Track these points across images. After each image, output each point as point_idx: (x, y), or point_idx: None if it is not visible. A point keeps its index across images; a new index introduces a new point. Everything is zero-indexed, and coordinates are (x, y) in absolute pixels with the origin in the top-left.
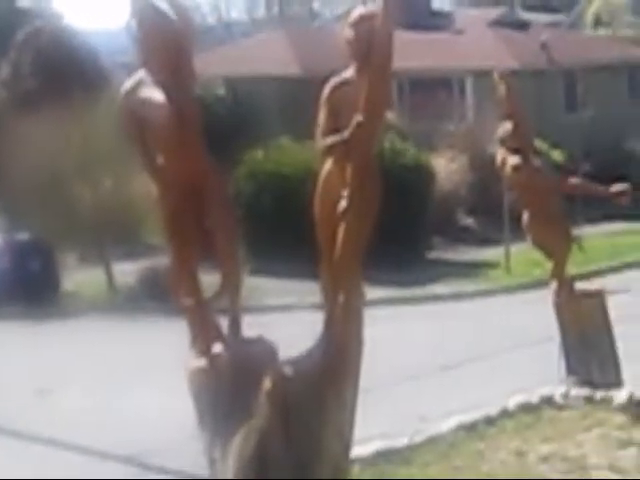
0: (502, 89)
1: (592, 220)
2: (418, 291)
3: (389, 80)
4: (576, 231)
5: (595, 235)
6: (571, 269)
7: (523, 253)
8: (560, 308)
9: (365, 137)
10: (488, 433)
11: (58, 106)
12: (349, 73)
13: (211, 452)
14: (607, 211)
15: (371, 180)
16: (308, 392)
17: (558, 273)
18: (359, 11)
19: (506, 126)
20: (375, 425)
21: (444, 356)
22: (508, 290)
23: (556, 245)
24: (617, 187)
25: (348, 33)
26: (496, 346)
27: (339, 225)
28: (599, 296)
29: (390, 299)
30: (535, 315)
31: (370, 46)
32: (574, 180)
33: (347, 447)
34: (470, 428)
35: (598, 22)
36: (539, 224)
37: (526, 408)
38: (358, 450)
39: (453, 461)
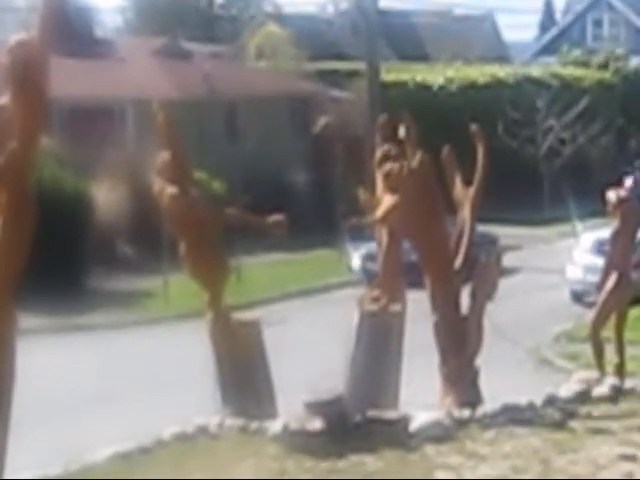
0: (160, 119)
1: (251, 251)
2: (75, 320)
3: (44, 107)
4: (234, 262)
5: (254, 265)
6: (229, 299)
7: (182, 283)
8: (215, 338)
9: (19, 164)
10: (143, 462)
11: None
12: (3, 99)
13: None
14: (267, 242)
15: (26, 207)
16: None
17: (214, 303)
18: (16, 37)
19: (164, 156)
20: (29, 455)
21: (100, 387)
22: (166, 320)
23: (211, 276)
24: (273, 218)
25: (4, 59)
26: (153, 376)
27: None
28: (255, 326)
29: (47, 328)
30: (192, 345)
31: (26, 73)
32: (232, 211)
33: None
34: (125, 457)
35: (260, 54)
36: (194, 254)
37: (181, 438)
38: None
39: None
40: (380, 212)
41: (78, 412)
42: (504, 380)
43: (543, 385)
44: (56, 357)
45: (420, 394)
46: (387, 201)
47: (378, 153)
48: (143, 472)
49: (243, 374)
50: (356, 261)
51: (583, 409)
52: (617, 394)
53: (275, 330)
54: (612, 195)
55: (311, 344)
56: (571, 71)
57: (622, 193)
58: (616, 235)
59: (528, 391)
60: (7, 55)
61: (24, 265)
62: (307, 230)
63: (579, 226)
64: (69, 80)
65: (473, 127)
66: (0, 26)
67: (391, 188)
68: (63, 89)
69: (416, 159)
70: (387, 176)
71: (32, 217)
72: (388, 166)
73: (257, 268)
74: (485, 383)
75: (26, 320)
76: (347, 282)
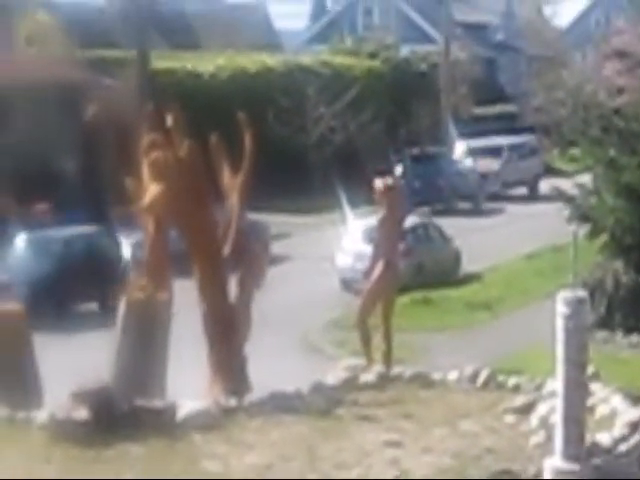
0: None
1: None
2: None
3: None
4: None
5: None
6: None
7: None
8: None
9: None
10: None
11: None
12: None
13: None
14: None
15: None
16: None
17: None
18: None
19: None
20: None
21: None
22: None
23: None
24: (38, 207)
25: None
26: None
27: None
28: (18, 318)
29: None
30: None
31: None
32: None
33: None
34: None
35: (30, 42)
36: None
37: None
38: None
39: None
40: (146, 201)
41: None
42: (273, 368)
43: (312, 372)
44: None
45: (189, 383)
46: (153, 190)
47: (144, 142)
48: None
49: (8, 365)
50: (126, 249)
51: (350, 396)
52: (383, 381)
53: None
54: (379, 183)
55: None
56: (341, 60)
57: (389, 181)
58: (382, 223)
59: (297, 378)
60: None
61: None
62: (77, 220)
63: (349, 214)
64: None
65: (240, 115)
66: None
67: (157, 177)
68: None
69: (183, 147)
70: (153, 165)
71: None
72: (154, 155)
73: None
74: (254, 371)
75: None
76: None
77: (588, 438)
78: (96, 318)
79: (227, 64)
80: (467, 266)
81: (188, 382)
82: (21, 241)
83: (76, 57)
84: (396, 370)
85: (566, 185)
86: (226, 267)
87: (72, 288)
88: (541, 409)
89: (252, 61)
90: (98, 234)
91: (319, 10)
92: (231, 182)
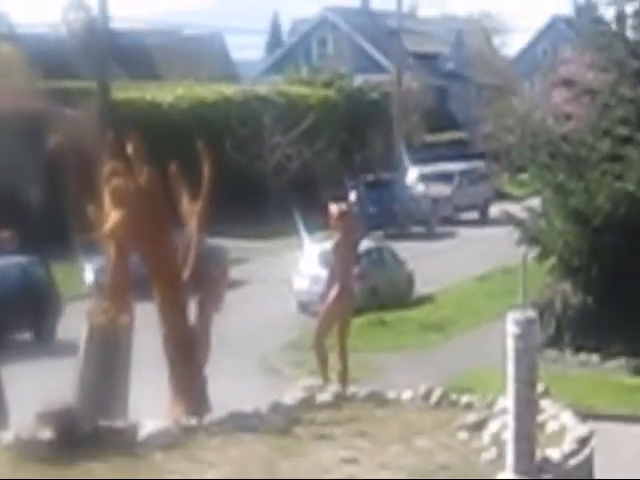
0: None
1: None
2: None
3: None
4: None
5: None
6: None
7: None
8: None
9: None
10: None
11: None
12: None
13: None
14: None
15: None
16: None
17: None
18: None
19: None
20: None
21: None
22: None
23: None
24: (4, 234)
25: None
26: None
27: None
28: None
29: None
30: None
31: None
32: None
33: None
34: None
35: None
36: None
37: None
38: None
39: None
40: (107, 227)
41: None
42: (232, 388)
43: (270, 393)
44: None
45: (150, 404)
46: (114, 216)
47: (105, 170)
48: None
49: None
50: (89, 274)
51: (307, 415)
52: (340, 400)
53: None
54: (334, 208)
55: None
56: (297, 89)
57: (343, 207)
58: (337, 247)
59: (256, 398)
60: None
61: None
62: (42, 246)
63: (306, 239)
64: None
65: (199, 144)
66: None
67: (118, 203)
68: None
69: (143, 175)
70: (114, 192)
71: None
72: (115, 182)
73: None
74: (213, 392)
75: None
76: (80, 295)
77: (539, 454)
78: (30, 348)
79: (186, 94)
80: (420, 288)
81: (149, 403)
82: None
83: (39, 88)
84: (352, 389)
85: (515, 209)
86: (186, 291)
87: (5, 318)
88: (493, 426)
89: (210, 91)
90: (32, 264)
91: (275, 41)
92: (190, 208)
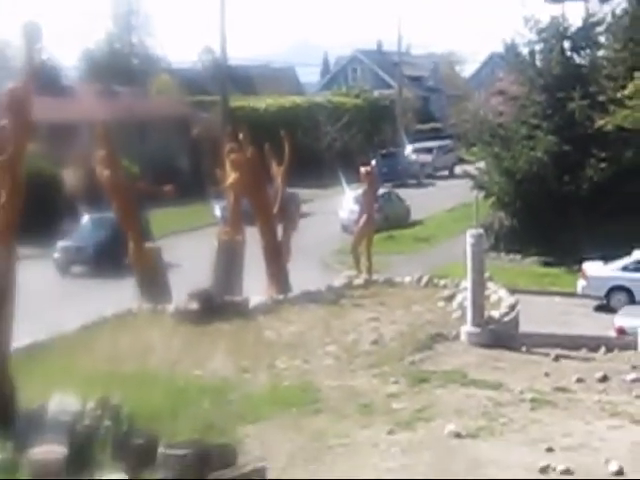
0: (100, 132)
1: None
2: None
3: (30, 126)
4: (145, 212)
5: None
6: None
7: None
8: (135, 260)
9: (15, 160)
10: (96, 330)
11: None
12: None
13: None
14: (162, 201)
15: (19, 186)
16: None
17: (134, 237)
18: (11, 85)
19: (100, 153)
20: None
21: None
22: None
23: (133, 222)
24: (167, 187)
25: (4, 98)
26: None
27: None
28: (157, 251)
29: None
30: None
31: (17, 106)
32: (142, 184)
33: None
34: (85, 328)
35: (159, 92)
36: (122, 210)
37: (116, 315)
38: None
39: None
40: (228, 183)
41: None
42: (304, 277)
43: (326, 279)
44: None
45: (256, 287)
46: (232, 176)
47: (226, 148)
48: (98, 335)
49: (151, 279)
50: (217, 211)
51: (348, 292)
52: (367, 283)
53: (172, 252)
54: (363, 170)
55: (193, 260)
56: (339, 99)
57: (368, 169)
58: (364, 193)
59: (318, 283)
60: (6, 96)
61: (19, 218)
62: (189, 194)
63: (346, 188)
64: (46, 109)
65: (282, 133)
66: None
67: (234, 169)
68: (42, 115)
69: (249, 152)
70: (232, 162)
71: (22, 191)
72: (232, 156)
73: (157, 216)
74: (293, 279)
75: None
76: (212, 223)
77: (486, 314)
78: None
79: (273, 103)
80: (414, 216)
81: (255, 286)
82: None
83: (185, 100)
84: (374, 277)
85: (470, 169)
86: (275, 219)
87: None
88: (459, 298)
89: (288, 101)
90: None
91: (325, 70)
92: (277, 171)
